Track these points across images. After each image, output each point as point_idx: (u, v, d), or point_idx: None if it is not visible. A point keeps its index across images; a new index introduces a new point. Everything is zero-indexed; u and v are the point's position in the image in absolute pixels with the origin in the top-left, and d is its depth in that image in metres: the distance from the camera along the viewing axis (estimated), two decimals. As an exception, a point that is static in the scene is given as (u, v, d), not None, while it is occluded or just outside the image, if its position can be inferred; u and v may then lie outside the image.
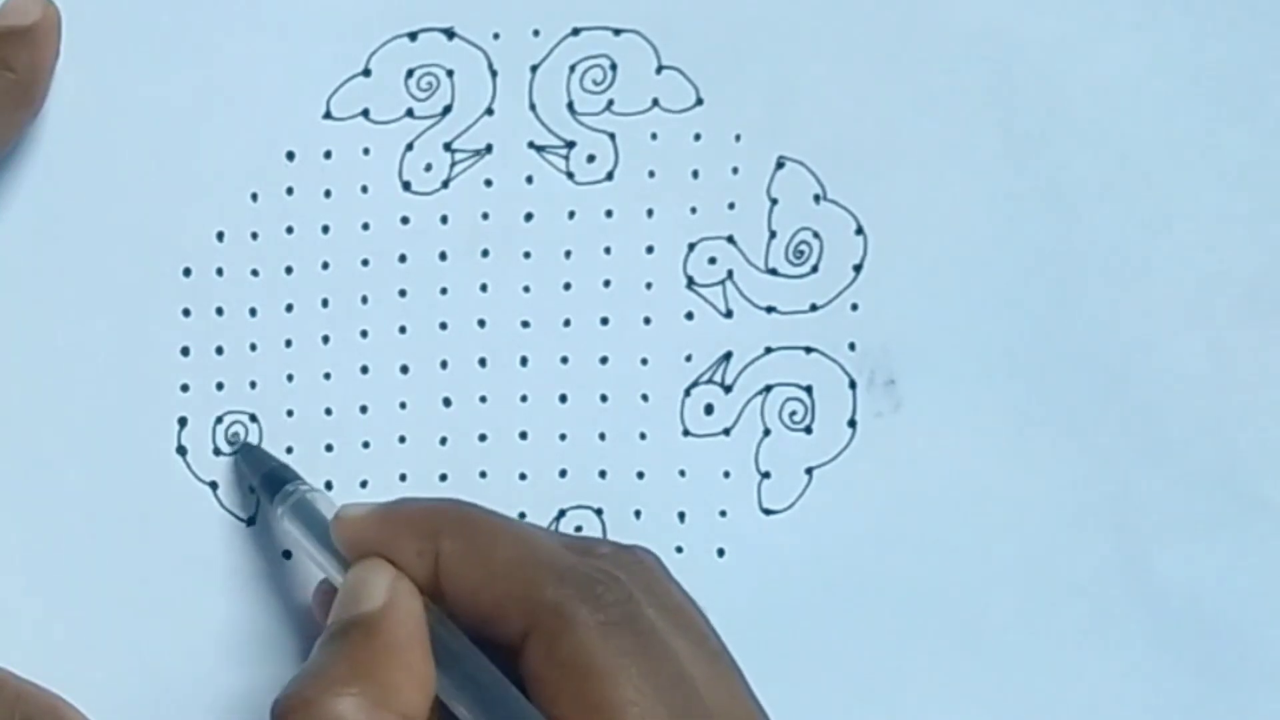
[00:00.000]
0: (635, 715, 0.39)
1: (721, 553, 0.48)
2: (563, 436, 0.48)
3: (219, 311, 0.47)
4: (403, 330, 0.47)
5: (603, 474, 0.48)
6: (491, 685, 0.40)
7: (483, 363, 0.48)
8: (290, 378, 0.47)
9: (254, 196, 0.47)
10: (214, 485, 0.47)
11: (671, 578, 0.43)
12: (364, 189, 0.47)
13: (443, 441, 0.48)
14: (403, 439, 0.47)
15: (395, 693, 0.40)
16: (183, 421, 0.47)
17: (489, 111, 0.47)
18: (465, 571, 0.41)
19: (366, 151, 0.47)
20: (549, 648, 0.40)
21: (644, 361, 0.48)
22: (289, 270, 0.47)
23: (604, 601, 0.40)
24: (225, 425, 0.47)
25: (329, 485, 0.47)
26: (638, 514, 0.48)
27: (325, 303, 0.47)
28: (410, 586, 0.41)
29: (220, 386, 0.47)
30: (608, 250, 0.48)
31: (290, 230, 0.47)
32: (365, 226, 0.47)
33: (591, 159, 0.47)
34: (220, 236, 0.47)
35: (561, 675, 0.40)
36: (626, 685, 0.39)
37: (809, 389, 0.48)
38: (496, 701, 0.40)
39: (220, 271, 0.47)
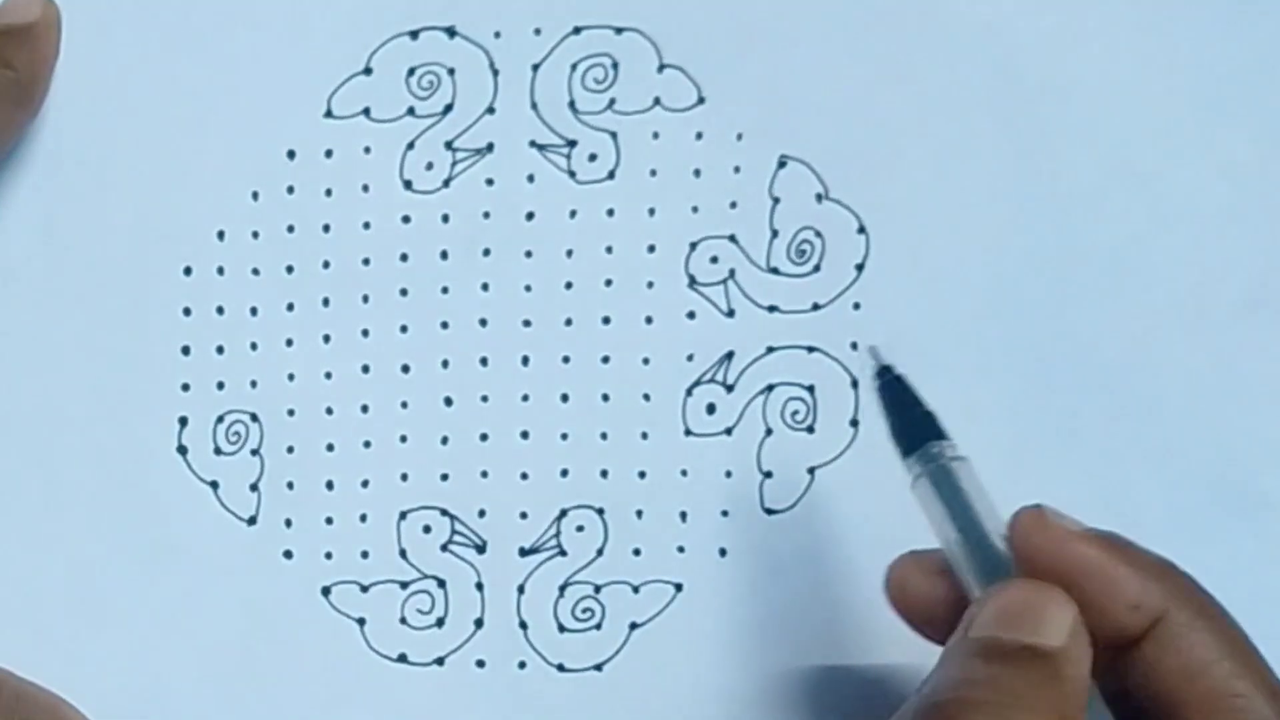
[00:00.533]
0: None
1: (724, 552, 0.48)
2: (564, 436, 0.48)
3: (219, 310, 0.47)
4: (404, 329, 0.47)
5: (604, 473, 0.48)
6: None
7: (484, 362, 0.48)
8: (291, 377, 0.47)
9: (255, 195, 0.47)
10: (214, 485, 0.47)
11: None
12: (365, 188, 0.47)
13: (444, 441, 0.47)
14: (404, 438, 0.47)
15: None
16: (183, 421, 0.47)
17: (490, 110, 0.47)
18: (1178, 656, 0.38)
19: (367, 150, 0.47)
20: None
21: (645, 361, 0.48)
22: (290, 269, 0.47)
23: None
24: (225, 425, 0.47)
25: (329, 485, 0.47)
26: (639, 514, 0.48)
27: (326, 302, 0.47)
28: (1087, 637, 0.38)
29: (221, 386, 0.47)
30: (609, 249, 0.48)
31: (291, 229, 0.47)
32: (366, 225, 0.47)
33: (593, 158, 0.47)
34: (221, 235, 0.47)
35: None
36: None
37: (811, 388, 0.48)
38: None
39: (221, 270, 0.47)
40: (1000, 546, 0.41)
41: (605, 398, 0.48)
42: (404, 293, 0.47)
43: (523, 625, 0.48)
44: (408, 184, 0.47)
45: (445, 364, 0.47)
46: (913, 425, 0.42)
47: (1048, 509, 0.41)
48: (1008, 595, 0.39)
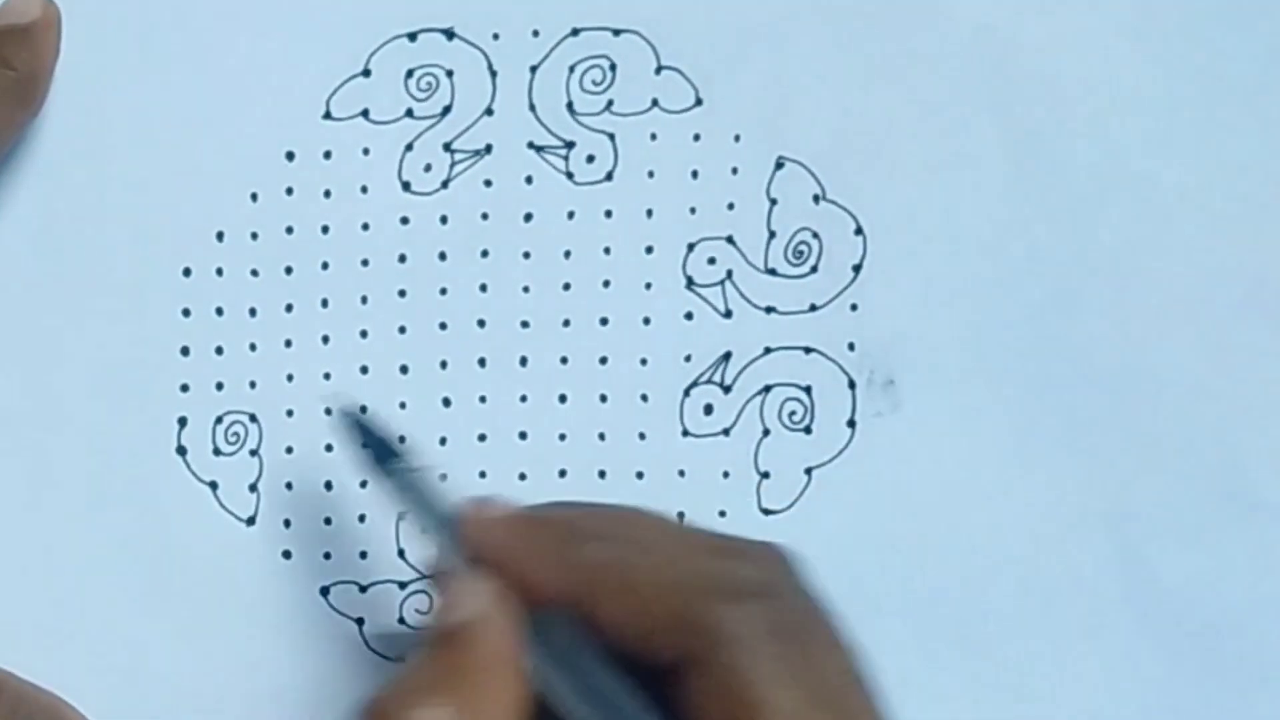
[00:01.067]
0: None
1: (721, 553, 0.48)
2: (562, 437, 0.48)
3: (219, 311, 0.47)
4: (402, 330, 0.47)
5: (602, 474, 0.48)
6: (616, 703, 0.39)
7: (482, 363, 0.48)
8: (290, 378, 0.47)
9: (254, 196, 0.47)
10: (214, 485, 0.47)
11: (807, 574, 0.42)
12: (364, 189, 0.47)
13: (442, 442, 0.48)
14: (402, 439, 0.47)
15: (480, 709, 0.39)
16: (183, 421, 0.47)
17: (489, 112, 0.47)
18: (611, 587, 0.40)
19: (366, 152, 0.47)
20: (706, 673, 0.39)
21: (643, 362, 0.48)
22: (289, 270, 0.47)
23: (758, 614, 0.39)
24: (225, 425, 0.47)
25: (329, 486, 0.47)
26: (637, 514, 0.48)
27: (325, 303, 0.47)
28: (507, 601, 0.40)
29: (220, 386, 0.47)
30: (607, 250, 0.48)
31: (290, 230, 0.47)
32: (365, 227, 0.47)
33: (591, 159, 0.47)
34: (220, 236, 0.47)
35: (720, 701, 0.38)
36: (788, 708, 0.38)
37: (808, 389, 0.48)
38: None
39: (220, 271, 0.47)
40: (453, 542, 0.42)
41: (603, 398, 0.48)
42: (402, 294, 0.47)
43: (521, 625, 0.48)
44: (406, 185, 0.47)
45: (444, 365, 0.48)
46: (379, 447, 0.44)
47: (487, 498, 0.42)
48: (447, 590, 0.41)
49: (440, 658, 0.40)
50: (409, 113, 0.47)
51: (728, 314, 0.48)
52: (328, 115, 0.47)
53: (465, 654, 0.39)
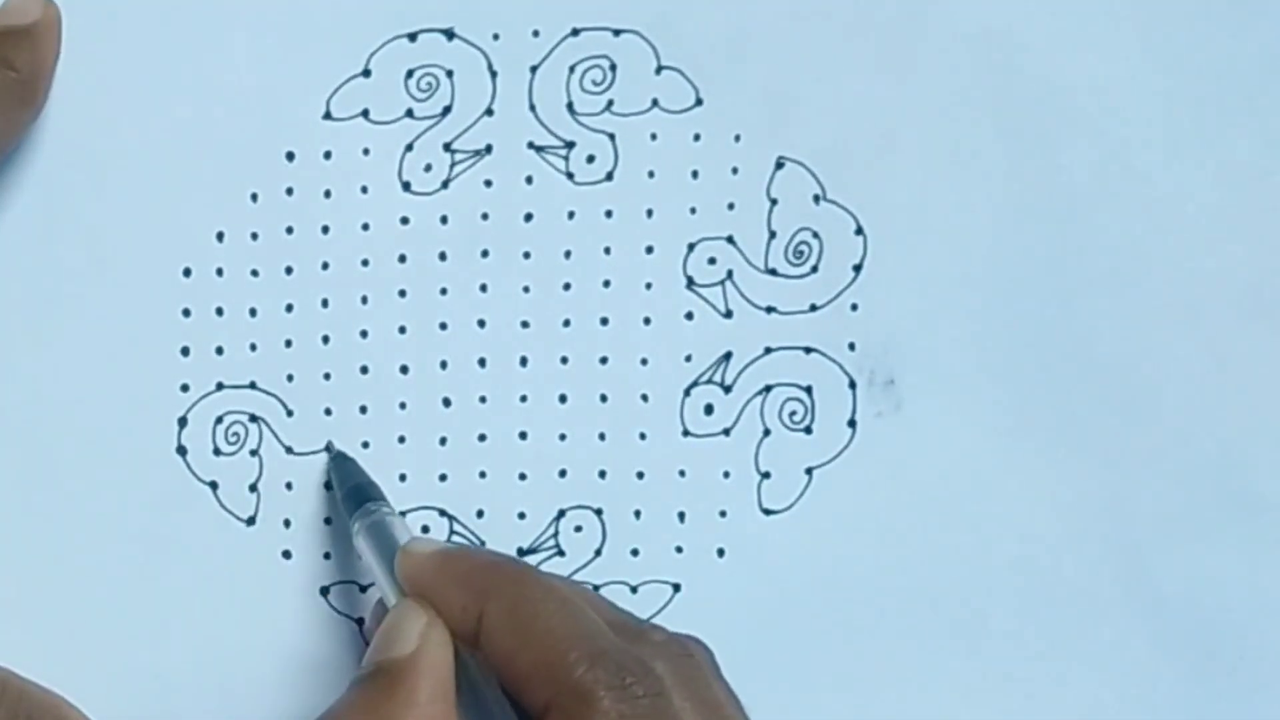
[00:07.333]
0: None
1: (721, 553, 0.48)
2: (562, 437, 0.48)
3: (219, 312, 0.47)
4: (402, 330, 0.47)
5: (602, 474, 0.48)
6: None
7: (482, 363, 0.48)
8: (290, 378, 0.47)
9: (254, 197, 0.47)
10: (214, 485, 0.47)
11: (718, 674, 0.42)
12: (364, 189, 0.47)
13: (442, 442, 0.48)
14: (402, 439, 0.47)
15: None
16: (183, 422, 0.47)
17: (489, 112, 0.47)
18: (503, 634, 0.40)
19: (366, 152, 0.47)
20: None
21: (644, 362, 0.48)
22: (289, 270, 0.47)
23: (631, 693, 0.39)
24: (225, 425, 0.47)
25: (328, 486, 0.47)
26: (637, 514, 0.48)
27: (325, 303, 0.47)
28: (444, 636, 0.41)
29: (220, 386, 0.47)
30: (607, 250, 0.48)
31: (290, 230, 0.47)
32: (365, 227, 0.47)
33: (591, 159, 0.47)
34: (220, 237, 0.47)
35: None
36: None
37: (809, 389, 0.48)
38: None
39: (220, 272, 0.47)
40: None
41: (603, 398, 0.48)
42: (402, 294, 0.47)
43: (521, 625, 0.48)
44: (406, 185, 0.47)
45: (444, 365, 0.48)
46: (356, 490, 0.46)
47: (418, 538, 0.44)
48: (384, 623, 0.42)
49: (373, 692, 0.40)
50: (409, 113, 0.47)
51: (728, 314, 0.48)
52: (328, 115, 0.47)
53: (395, 690, 0.40)
